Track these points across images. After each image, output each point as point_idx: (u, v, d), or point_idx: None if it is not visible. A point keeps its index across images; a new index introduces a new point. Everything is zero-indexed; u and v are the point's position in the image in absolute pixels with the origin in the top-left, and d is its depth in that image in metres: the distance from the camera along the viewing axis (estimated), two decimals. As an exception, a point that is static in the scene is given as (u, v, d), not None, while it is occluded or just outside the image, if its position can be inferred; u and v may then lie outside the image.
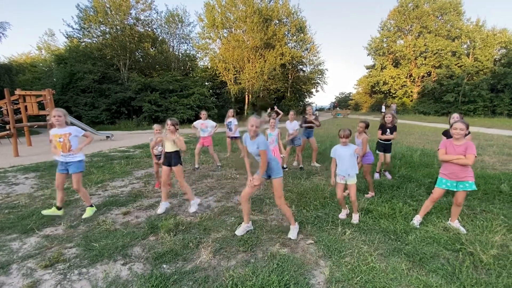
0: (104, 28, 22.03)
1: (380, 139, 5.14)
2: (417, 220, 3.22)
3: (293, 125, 5.95)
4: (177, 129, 3.76)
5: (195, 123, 6.41)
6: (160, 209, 3.73)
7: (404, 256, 2.56)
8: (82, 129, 13.41)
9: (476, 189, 3.11)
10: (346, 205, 3.56)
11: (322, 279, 2.28)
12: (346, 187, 3.43)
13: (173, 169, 3.73)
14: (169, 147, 3.70)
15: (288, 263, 2.46)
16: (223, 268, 2.42)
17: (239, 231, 3.05)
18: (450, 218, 3.19)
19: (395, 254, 2.61)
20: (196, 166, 6.34)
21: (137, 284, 2.21)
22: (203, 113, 6.44)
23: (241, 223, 3.18)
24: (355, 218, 3.35)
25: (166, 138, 3.70)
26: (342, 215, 3.47)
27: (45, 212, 3.56)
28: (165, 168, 3.75)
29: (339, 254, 2.61)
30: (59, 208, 3.63)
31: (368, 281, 2.22)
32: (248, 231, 3.11)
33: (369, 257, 2.52)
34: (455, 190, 3.02)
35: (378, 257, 2.57)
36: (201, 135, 6.29)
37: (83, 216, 3.60)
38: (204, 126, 6.30)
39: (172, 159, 3.70)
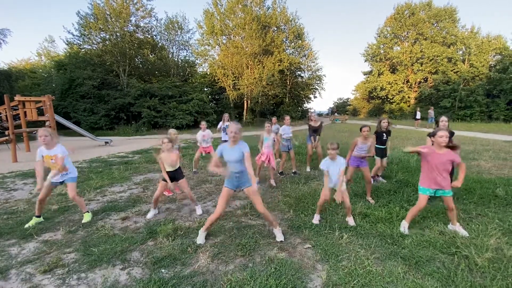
0: (104, 35, 22.22)
1: (377, 145, 5.18)
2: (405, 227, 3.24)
3: (288, 130, 5.99)
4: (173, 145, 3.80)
5: (198, 137, 6.38)
6: (149, 215, 3.79)
7: (400, 260, 2.59)
8: (81, 134, 13.31)
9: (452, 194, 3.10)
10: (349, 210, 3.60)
11: (319, 282, 2.31)
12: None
13: (179, 182, 3.79)
14: (170, 167, 3.71)
15: (286, 267, 2.48)
16: (221, 273, 2.44)
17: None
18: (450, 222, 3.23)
19: (391, 257, 2.64)
20: (195, 170, 6.52)
21: (135, 289, 2.23)
22: (203, 124, 6.52)
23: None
24: (351, 221, 3.40)
25: (165, 159, 3.68)
26: (315, 220, 3.49)
27: (27, 225, 3.49)
28: (163, 183, 3.72)
29: (336, 258, 2.64)
30: (38, 216, 3.66)
31: (365, 284, 2.25)
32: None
33: (366, 261, 2.55)
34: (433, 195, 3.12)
35: (374, 260, 2.60)
36: (203, 146, 6.40)
37: (83, 221, 3.62)
38: (206, 137, 6.40)
39: (176, 175, 3.75)
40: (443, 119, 4.07)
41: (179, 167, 3.82)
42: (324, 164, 3.41)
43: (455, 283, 2.25)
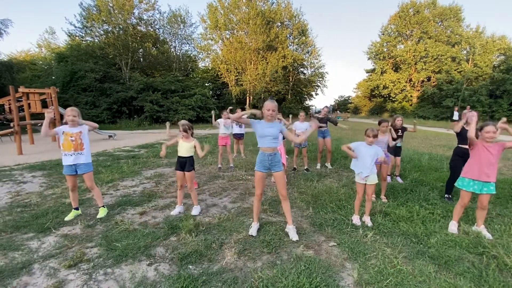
0: (107, 27, 21.98)
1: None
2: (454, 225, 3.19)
3: (303, 126, 5.93)
4: (192, 133, 3.74)
5: (219, 120, 6.49)
6: (174, 211, 3.70)
7: (428, 259, 2.57)
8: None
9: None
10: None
11: (351, 281, 2.28)
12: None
13: (186, 174, 3.65)
14: (184, 152, 3.62)
15: (315, 265, 2.45)
16: (250, 269, 2.40)
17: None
18: (476, 223, 3.18)
19: (419, 257, 2.62)
20: (219, 165, 6.44)
21: (165, 285, 2.19)
22: (226, 113, 6.58)
23: (260, 224, 3.18)
24: (368, 220, 3.34)
25: (182, 142, 3.62)
26: (357, 220, 3.37)
27: (67, 218, 3.50)
28: (179, 173, 3.66)
29: (364, 256, 2.61)
30: (77, 209, 3.65)
31: (398, 283, 2.22)
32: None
33: (394, 260, 2.52)
34: (478, 193, 3.03)
35: (403, 259, 2.57)
36: (223, 132, 6.39)
37: (98, 216, 3.57)
38: (228, 124, 6.42)
39: (186, 164, 3.63)
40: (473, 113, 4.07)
41: (192, 157, 3.67)
42: (356, 144, 3.38)
43: (488, 283, 2.22)
